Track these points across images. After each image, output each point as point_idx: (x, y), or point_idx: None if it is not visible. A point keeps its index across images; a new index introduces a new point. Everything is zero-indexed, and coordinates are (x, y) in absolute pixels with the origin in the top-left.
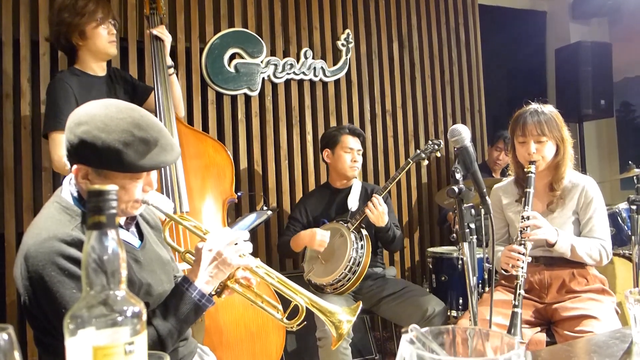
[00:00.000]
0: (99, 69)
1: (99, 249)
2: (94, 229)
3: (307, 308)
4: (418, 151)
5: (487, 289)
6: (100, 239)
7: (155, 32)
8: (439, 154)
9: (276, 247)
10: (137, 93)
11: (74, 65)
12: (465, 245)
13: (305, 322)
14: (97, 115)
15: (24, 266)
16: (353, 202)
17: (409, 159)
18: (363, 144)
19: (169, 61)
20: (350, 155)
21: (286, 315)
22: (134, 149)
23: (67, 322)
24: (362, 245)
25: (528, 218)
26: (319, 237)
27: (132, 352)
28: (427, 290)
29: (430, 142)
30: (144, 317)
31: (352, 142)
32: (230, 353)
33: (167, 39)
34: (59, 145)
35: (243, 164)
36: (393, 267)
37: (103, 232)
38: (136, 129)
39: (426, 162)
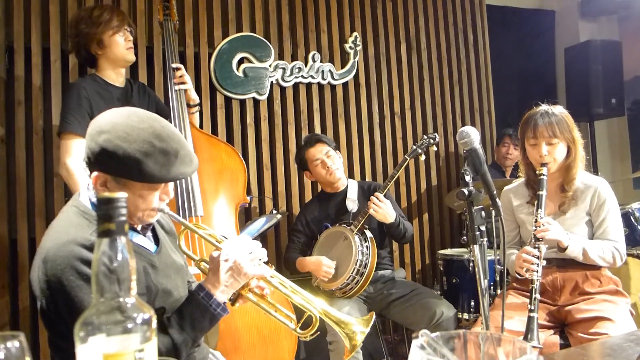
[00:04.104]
0: (117, 79)
1: (109, 256)
2: (104, 236)
3: (320, 318)
4: (414, 147)
5: (498, 291)
6: (110, 246)
7: (176, 87)
8: (435, 148)
9: (283, 262)
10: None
11: (95, 72)
12: (476, 247)
13: (318, 332)
14: (119, 125)
15: (42, 269)
16: (352, 203)
17: (405, 156)
18: (331, 142)
19: (195, 99)
20: (321, 164)
21: (300, 325)
22: (154, 159)
23: (77, 330)
24: (367, 246)
25: (542, 225)
26: (324, 268)
27: None
28: (438, 292)
29: (425, 137)
30: (154, 324)
31: (315, 152)
32: (243, 357)
33: (189, 84)
34: (67, 151)
35: (252, 168)
36: (402, 269)
37: (113, 239)
38: (157, 140)
39: (423, 157)
